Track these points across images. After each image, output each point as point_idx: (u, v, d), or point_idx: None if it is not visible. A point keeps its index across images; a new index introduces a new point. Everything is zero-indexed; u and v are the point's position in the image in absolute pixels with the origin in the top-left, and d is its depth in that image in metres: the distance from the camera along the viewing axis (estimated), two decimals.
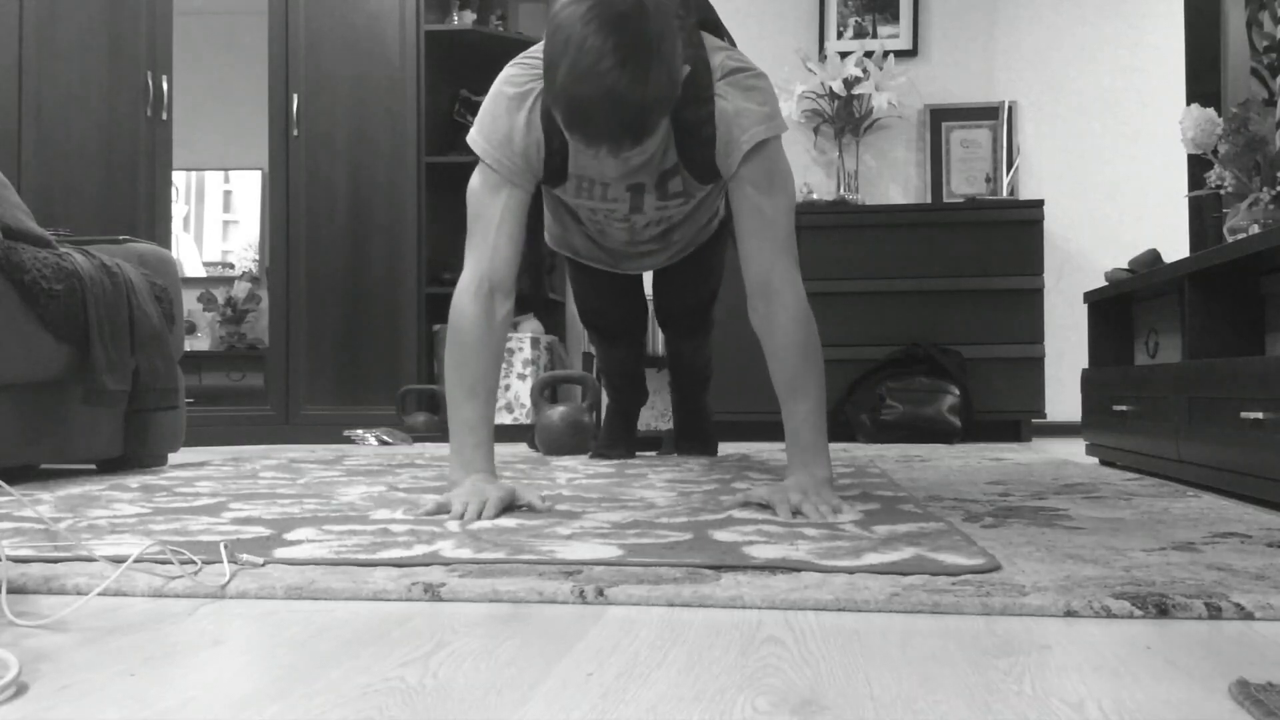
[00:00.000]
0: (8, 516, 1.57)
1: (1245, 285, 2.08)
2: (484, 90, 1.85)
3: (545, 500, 1.70)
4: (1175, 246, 3.90)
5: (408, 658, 0.81)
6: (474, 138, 1.81)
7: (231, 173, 5.87)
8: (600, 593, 1.00)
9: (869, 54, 4.37)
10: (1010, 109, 4.45)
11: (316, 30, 4.35)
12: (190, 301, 5.41)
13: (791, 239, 1.78)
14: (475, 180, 1.81)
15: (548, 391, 3.48)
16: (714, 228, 2.45)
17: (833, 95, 4.37)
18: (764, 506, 1.59)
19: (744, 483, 2.07)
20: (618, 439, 2.97)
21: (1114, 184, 4.45)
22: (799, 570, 1.09)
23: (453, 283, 1.78)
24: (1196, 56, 3.23)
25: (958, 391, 3.90)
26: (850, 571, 1.08)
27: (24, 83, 3.94)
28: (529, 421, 4.02)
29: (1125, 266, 2.76)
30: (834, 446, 3.05)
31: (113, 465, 2.73)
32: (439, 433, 4.15)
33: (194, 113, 5.35)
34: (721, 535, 1.32)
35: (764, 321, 1.75)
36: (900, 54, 4.48)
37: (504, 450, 3.33)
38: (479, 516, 1.50)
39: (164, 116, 4.15)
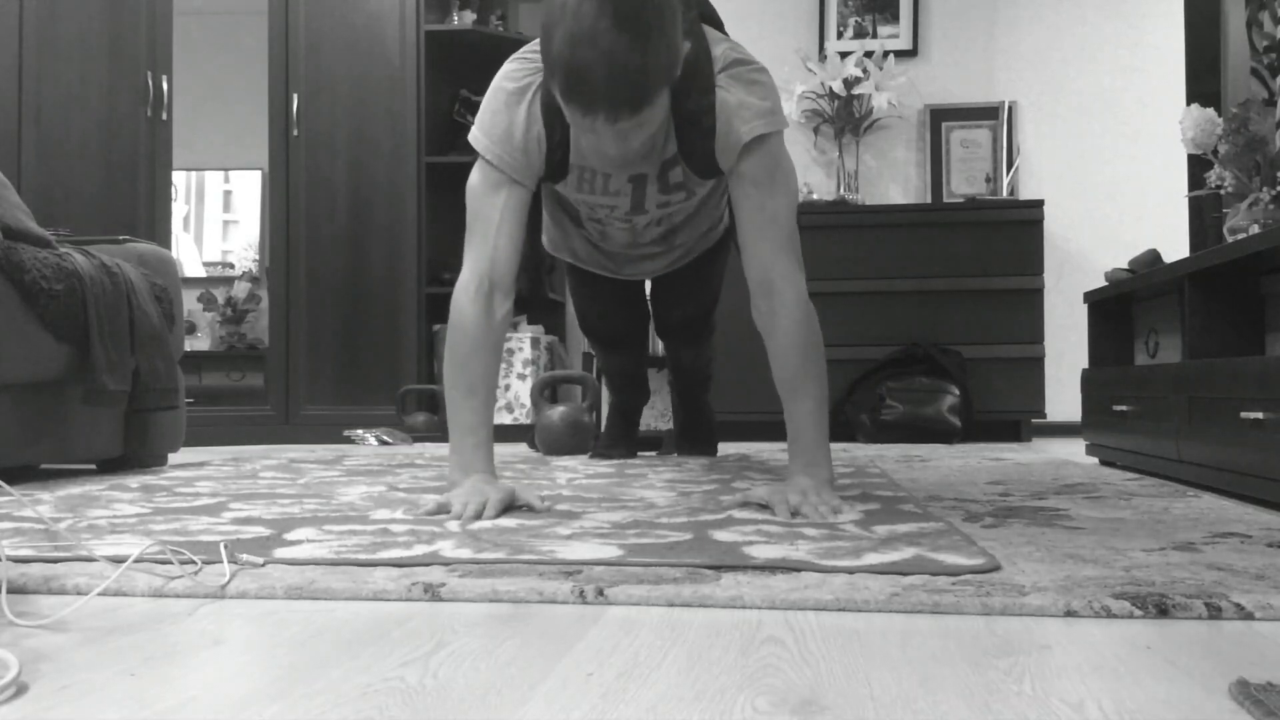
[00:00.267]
0: (8, 516, 1.57)
1: (1245, 285, 2.08)
2: (484, 90, 1.84)
3: (545, 501, 1.70)
4: (1175, 246, 3.91)
5: (408, 658, 0.81)
6: (474, 134, 1.79)
7: (231, 173, 5.87)
8: (600, 593, 1.00)
9: (869, 54, 4.37)
10: (1010, 109, 4.45)
11: (316, 30, 4.35)
12: (190, 301, 5.41)
13: (794, 237, 1.76)
14: (475, 177, 1.79)
15: (548, 391, 3.48)
16: (718, 234, 2.42)
17: (833, 95, 4.37)
18: (764, 506, 1.59)
19: (744, 483, 2.07)
20: (618, 439, 2.97)
21: (1114, 184, 4.45)
22: (799, 570, 1.09)
23: (453, 283, 1.77)
24: (1196, 56, 3.23)
25: (958, 391, 3.90)
26: (850, 571, 1.08)
27: (24, 83, 3.94)
28: (529, 421, 4.02)
29: (1125, 266, 2.76)
30: (834, 446, 3.05)
31: (113, 465, 2.73)
32: (439, 433, 4.15)
33: (194, 113, 5.35)
34: (721, 535, 1.32)
35: (766, 321, 1.74)
36: (900, 54, 4.48)
37: (504, 450, 3.33)
38: (479, 517, 1.50)
39: (164, 116, 4.15)
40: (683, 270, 2.44)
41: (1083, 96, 4.48)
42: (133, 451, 2.74)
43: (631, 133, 1.57)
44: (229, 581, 1.06)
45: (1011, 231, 4.07)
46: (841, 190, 4.40)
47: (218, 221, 5.94)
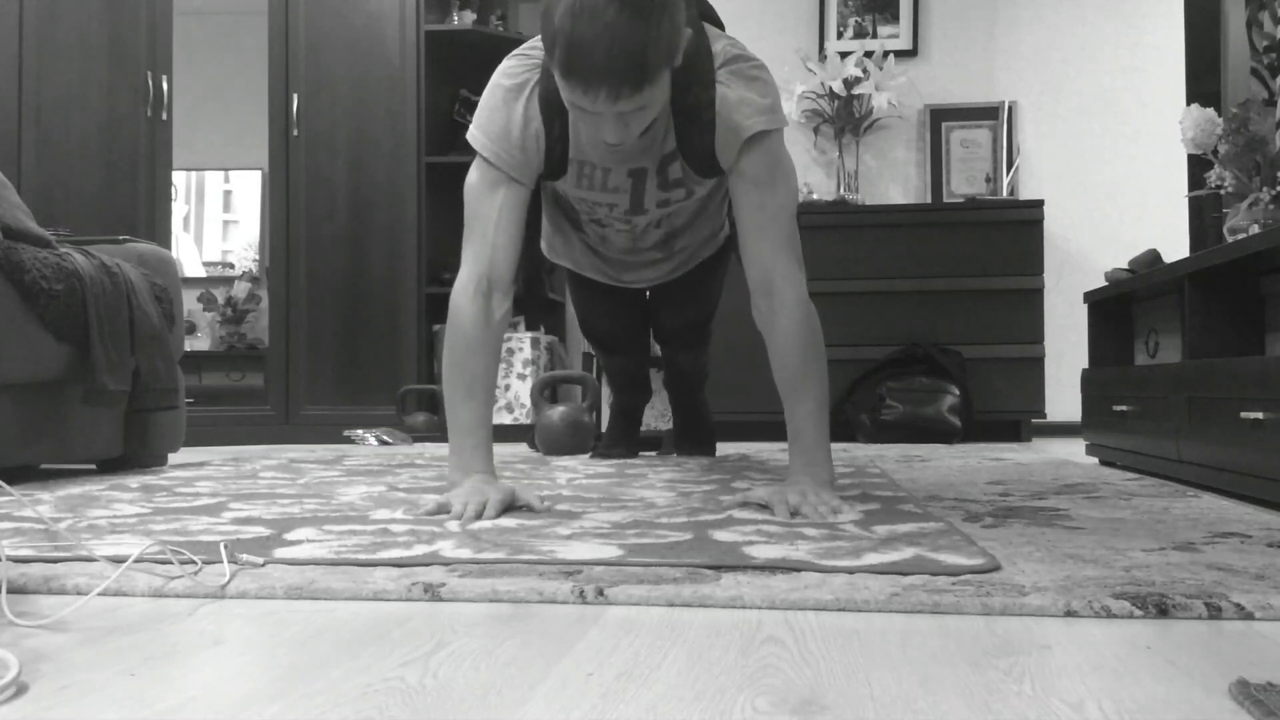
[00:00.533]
0: (8, 516, 1.57)
1: (1245, 285, 2.08)
2: (484, 90, 1.84)
3: (545, 501, 1.70)
4: (1175, 246, 3.91)
5: (408, 658, 0.81)
6: (471, 132, 1.78)
7: (231, 173, 5.88)
8: (600, 593, 1.00)
9: (869, 54, 4.37)
10: (1010, 109, 4.45)
11: (316, 30, 4.35)
12: (190, 301, 5.42)
13: (794, 236, 1.76)
14: (473, 176, 1.78)
15: (548, 391, 3.48)
16: (718, 243, 2.40)
17: (833, 95, 4.37)
18: (763, 507, 1.59)
19: (744, 482, 2.07)
20: (619, 438, 2.97)
21: (1114, 184, 4.45)
22: (799, 570, 1.09)
23: (452, 282, 1.76)
24: (1196, 56, 3.23)
25: (958, 391, 3.90)
26: (850, 571, 1.08)
27: (24, 83, 3.94)
28: (529, 421, 4.02)
29: (1125, 266, 2.76)
30: (834, 446, 3.05)
31: (113, 465, 2.73)
32: (439, 433, 4.15)
33: (194, 113, 5.35)
34: (721, 535, 1.32)
35: (766, 321, 1.74)
36: (900, 54, 4.48)
37: (504, 450, 3.33)
38: (479, 517, 1.50)
39: (164, 116, 4.15)
40: (682, 279, 2.43)
41: (1083, 96, 4.48)
42: (133, 451, 2.74)
43: (632, 117, 1.55)
44: (229, 581, 1.06)
45: (1011, 231, 4.08)
46: (841, 190, 4.40)
47: (218, 221, 5.94)
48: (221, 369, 5.50)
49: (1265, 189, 2.19)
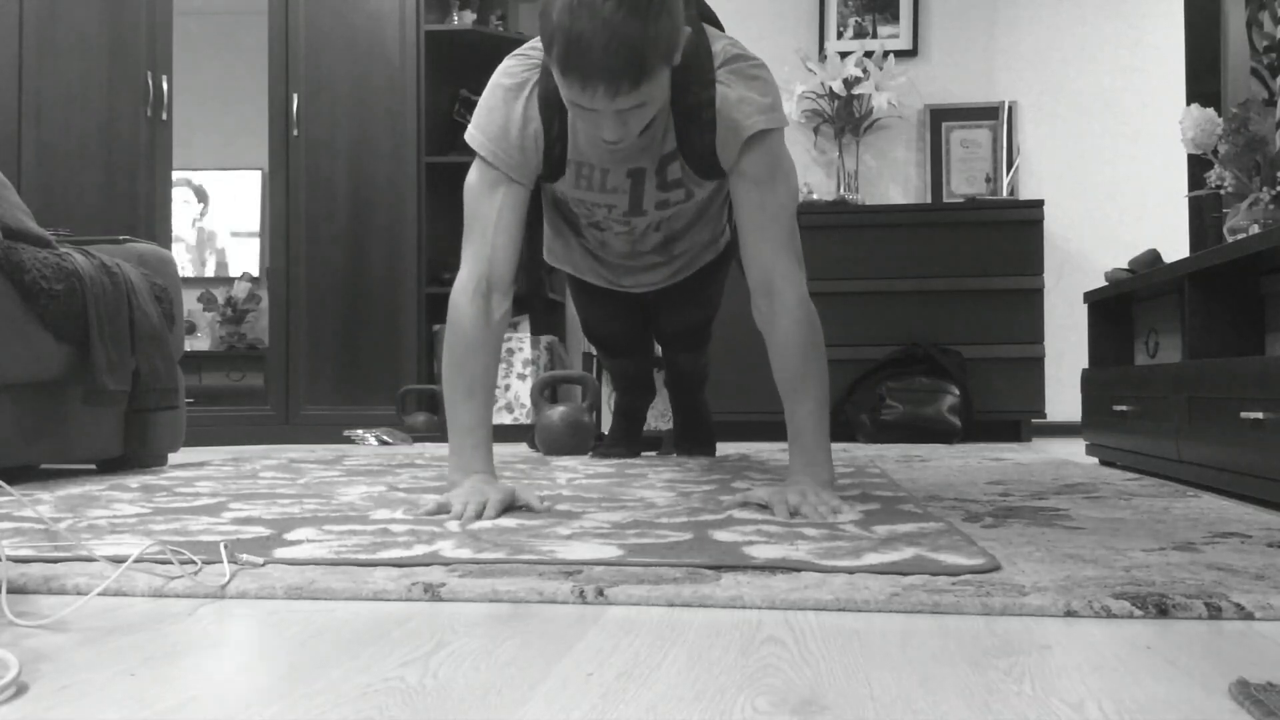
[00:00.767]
0: (8, 516, 1.57)
1: (1245, 285, 2.08)
2: (484, 90, 1.84)
3: (545, 501, 1.70)
4: (1175, 246, 3.90)
5: (408, 658, 0.81)
6: (470, 132, 1.78)
7: (231, 173, 5.87)
8: (600, 593, 1.00)
9: (869, 54, 4.37)
10: (1010, 109, 4.45)
11: (316, 30, 4.35)
12: (190, 301, 5.41)
13: (794, 236, 1.76)
14: (472, 176, 1.78)
15: (548, 391, 3.48)
16: (719, 248, 2.39)
17: (833, 95, 4.37)
18: (763, 507, 1.58)
19: (744, 482, 2.07)
20: (621, 438, 2.97)
21: (1114, 184, 4.45)
22: (799, 570, 1.09)
23: (452, 282, 1.76)
24: (1196, 56, 3.23)
25: (958, 391, 3.90)
26: (850, 571, 1.08)
27: (24, 83, 3.94)
28: (529, 421, 4.02)
29: (1125, 266, 2.76)
30: (834, 446, 3.04)
31: (113, 465, 2.73)
32: (439, 433, 4.15)
33: (194, 113, 5.35)
34: (721, 535, 1.32)
35: (766, 321, 1.74)
36: (900, 54, 4.48)
37: (504, 450, 3.33)
38: (479, 517, 1.50)
39: (164, 116, 4.15)
40: (682, 284, 2.42)
41: (1083, 96, 4.48)
42: (133, 451, 2.74)
43: (630, 114, 1.54)
44: (229, 581, 1.06)
45: (1011, 231, 4.08)
46: (841, 190, 4.40)
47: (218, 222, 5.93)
48: (221, 369, 5.51)
49: (1265, 189, 2.19)
